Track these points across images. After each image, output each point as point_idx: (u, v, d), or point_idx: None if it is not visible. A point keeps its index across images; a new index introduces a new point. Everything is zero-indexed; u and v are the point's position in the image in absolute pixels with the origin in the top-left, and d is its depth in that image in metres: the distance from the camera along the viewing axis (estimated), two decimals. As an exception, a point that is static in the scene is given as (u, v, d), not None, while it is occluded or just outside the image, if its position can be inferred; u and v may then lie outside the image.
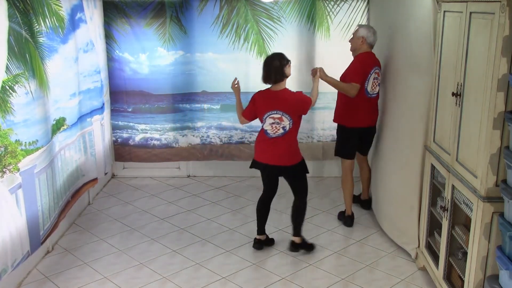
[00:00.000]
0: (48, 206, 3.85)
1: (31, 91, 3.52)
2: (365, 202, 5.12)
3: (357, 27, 4.59)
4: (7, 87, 3.24)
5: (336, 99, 4.76)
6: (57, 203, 4.05)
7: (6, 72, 3.21)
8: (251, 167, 4.26)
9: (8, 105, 3.25)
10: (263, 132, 4.08)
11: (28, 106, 3.49)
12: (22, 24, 3.45)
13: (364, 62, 4.49)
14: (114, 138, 5.89)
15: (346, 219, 4.73)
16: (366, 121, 4.64)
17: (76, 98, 4.54)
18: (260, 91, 4.13)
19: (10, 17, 3.28)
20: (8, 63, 3.25)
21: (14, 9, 3.35)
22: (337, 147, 4.77)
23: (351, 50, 4.63)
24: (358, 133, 4.64)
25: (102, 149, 5.28)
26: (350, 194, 4.72)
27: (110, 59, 5.67)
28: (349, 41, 4.63)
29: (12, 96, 3.29)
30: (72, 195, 4.54)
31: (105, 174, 5.41)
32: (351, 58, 5.59)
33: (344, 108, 4.62)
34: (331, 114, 5.87)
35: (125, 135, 5.91)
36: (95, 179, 5.08)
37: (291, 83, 5.35)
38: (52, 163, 3.92)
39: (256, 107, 4.10)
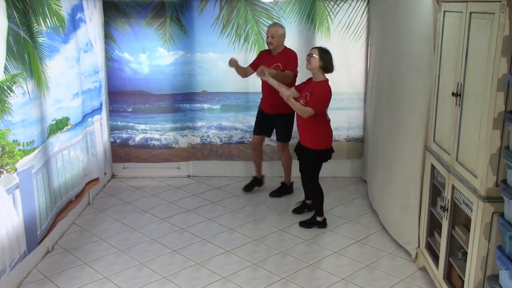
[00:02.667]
0: (45, 206, 3.84)
1: (28, 91, 3.52)
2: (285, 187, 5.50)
3: (274, 28, 4.94)
4: (5, 87, 3.24)
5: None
6: (54, 203, 4.05)
7: (4, 72, 3.21)
8: (329, 158, 4.59)
9: (6, 105, 3.25)
10: (328, 121, 4.48)
11: (25, 106, 3.49)
12: (20, 24, 3.45)
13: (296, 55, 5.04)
14: (112, 139, 5.89)
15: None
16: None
17: (79, 97, 4.54)
18: (329, 85, 4.39)
19: (9, 17, 3.28)
20: (6, 63, 3.24)
21: (12, 9, 3.34)
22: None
23: (272, 48, 4.98)
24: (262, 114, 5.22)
25: (102, 149, 5.28)
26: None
27: (110, 59, 5.67)
28: (271, 42, 4.93)
29: (10, 96, 3.29)
30: (77, 195, 4.54)
31: (104, 174, 5.41)
32: (350, 58, 5.63)
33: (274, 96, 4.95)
34: (330, 114, 5.90)
35: (124, 135, 5.91)
36: (96, 179, 5.09)
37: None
38: (47, 163, 3.92)
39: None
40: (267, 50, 5.13)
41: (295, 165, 5.10)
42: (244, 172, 6.01)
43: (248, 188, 5.50)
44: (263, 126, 5.28)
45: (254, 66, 5.07)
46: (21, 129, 3.43)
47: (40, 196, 3.74)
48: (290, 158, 5.32)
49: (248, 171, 6.00)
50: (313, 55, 4.29)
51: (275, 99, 4.85)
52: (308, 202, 5.01)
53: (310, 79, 4.53)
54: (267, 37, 4.95)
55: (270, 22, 5.54)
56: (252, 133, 5.48)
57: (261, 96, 5.26)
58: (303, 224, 4.69)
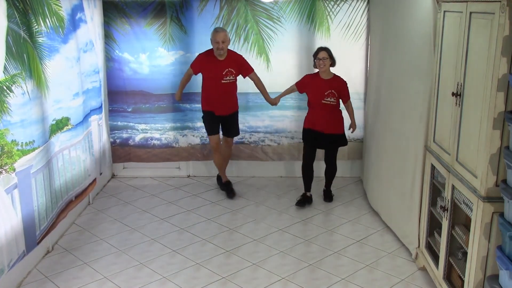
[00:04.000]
0: (45, 207, 3.84)
1: (27, 91, 3.52)
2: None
3: (224, 33, 4.98)
4: (5, 87, 3.24)
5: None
6: (55, 203, 4.05)
7: (3, 72, 3.21)
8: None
9: (5, 105, 3.24)
10: None
11: (24, 106, 3.48)
12: (20, 24, 3.45)
13: None
14: (112, 139, 5.89)
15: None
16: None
17: (80, 97, 4.54)
18: None
19: (9, 17, 3.28)
20: (6, 63, 3.24)
21: (13, 9, 3.34)
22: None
23: (222, 53, 5.01)
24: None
25: (99, 150, 5.28)
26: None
27: (110, 59, 5.67)
28: (223, 47, 4.97)
29: (9, 96, 3.29)
30: (77, 195, 4.54)
31: (100, 174, 5.40)
32: (350, 58, 5.63)
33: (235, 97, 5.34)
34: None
35: (124, 135, 5.92)
36: (94, 180, 5.09)
37: (293, 81, 5.37)
38: (49, 163, 3.92)
39: None
40: (206, 54, 5.12)
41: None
42: (244, 172, 6.01)
43: (231, 195, 5.42)
44: (216, 125, 5.30)
45: (198, 71, 5.17)
46: (20, 129, 3.43)
47: (39, 196, 3.73)
48: None
49: (248, 171, 6.01)
50: (326, 58, 4.85)
51: (231, 100, 5.24)
52: (308, 194, 5.17)
53: (312, 76, 5.00)
54: (217, 43, 4.93)
55: (270, 22, 5.55)
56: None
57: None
58: (331, 198, 5.30)
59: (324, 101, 4.88)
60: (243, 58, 5.22)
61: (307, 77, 5.05)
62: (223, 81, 5.07)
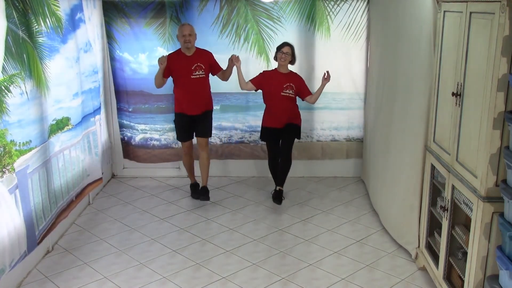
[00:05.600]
0: (42, 206, 3.84)
1: (26, 92, 3.52)
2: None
3: (190, 26, 4.96)
4: (3, 87, 3.24)
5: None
6: (54, 203, 4.04)
7: (2, 72, 3.21)
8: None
9: (4, 105, 3.25)
10: None
11: (22, 106, 3.49)
12: (19, 24, 3.45)
13: None
14: (121, 136, 5.96)
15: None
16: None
17: (79, 98, 4.55)
18: None
19: (8, 17, 3.28)
20: (5, 63, 3.24)
21: (12, 9, 3.34)
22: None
23: (189, 46, 4.95)
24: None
25: (101, 149, 5.28)
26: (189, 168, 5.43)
27: (112, 58, 5.68)
28: (190, 40, 4.91)
29: (8, 96, 3.29)
30: (77, 195, 4.55)
31: (102, 174, 5.40)
32: (350, 58, 5.63)
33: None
34: (330, 114, 5.87)
35: (128, 134, 5.95)
36: (99, 179, 5.09)
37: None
38: (47, 162, 3.91)
39: None
40: (175, 52, 5.05)
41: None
42: (244, 172, 6.01)
43: (197, 196, 5.35)
44: (189, 130, 5.20)
45: (167, 74, 5.01)
46: (18, 129, 3.43)
47: (35, 196, 3.73)
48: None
49: (248, 171, 6.01)
50: (289, 54, 4.95)
51: (203, 98, 5.10)
52: (277, 189, 5.14)
53: (271, 71, 5.09)
54: (184, 35, 4.87)
55: (270, 22, 5.55)
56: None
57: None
58: (280, 201, 5.00)
59: (283, 93, 4.94)
60: (212, 55, 5.11)
61: (266, 72, 5.13)
62: (192, 76, 4.99)
